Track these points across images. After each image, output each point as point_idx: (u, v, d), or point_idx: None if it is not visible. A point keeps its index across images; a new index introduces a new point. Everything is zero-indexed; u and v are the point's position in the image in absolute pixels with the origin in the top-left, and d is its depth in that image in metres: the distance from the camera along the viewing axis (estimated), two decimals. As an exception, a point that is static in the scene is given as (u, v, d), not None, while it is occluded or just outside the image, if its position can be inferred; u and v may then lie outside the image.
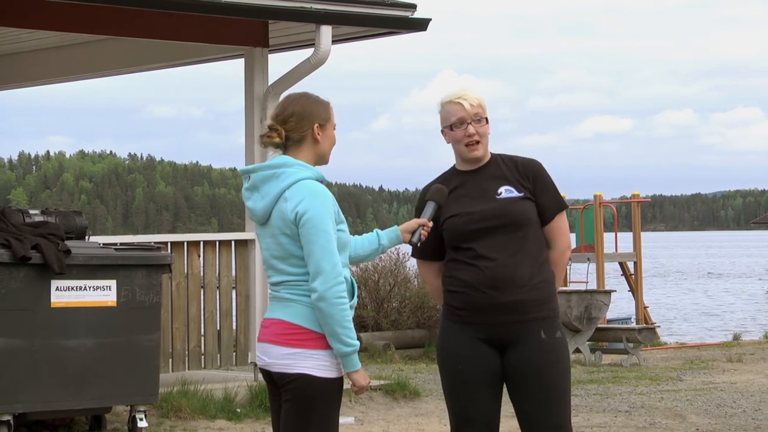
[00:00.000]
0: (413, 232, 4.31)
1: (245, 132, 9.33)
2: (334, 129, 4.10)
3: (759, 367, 12.49)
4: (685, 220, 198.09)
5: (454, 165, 4.48)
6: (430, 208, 4.35)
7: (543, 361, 4.30)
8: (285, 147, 4.05)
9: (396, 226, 4.34)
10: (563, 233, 4.42)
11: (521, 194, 4.35)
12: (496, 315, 4.32)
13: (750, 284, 48.73)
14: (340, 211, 4.02)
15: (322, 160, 4.08)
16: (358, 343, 3.96)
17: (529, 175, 4.39)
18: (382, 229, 4.34)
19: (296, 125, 4.02)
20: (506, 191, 4.36)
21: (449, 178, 4.47)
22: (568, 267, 15.57)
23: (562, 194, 4.52)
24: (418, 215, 4.40)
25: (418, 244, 4.31)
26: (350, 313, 3.96)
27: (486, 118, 4.40)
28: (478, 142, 4.37)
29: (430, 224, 4.31)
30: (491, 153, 4.46)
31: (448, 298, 4.44)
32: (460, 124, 4.38)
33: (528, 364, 4.31)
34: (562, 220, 4.42)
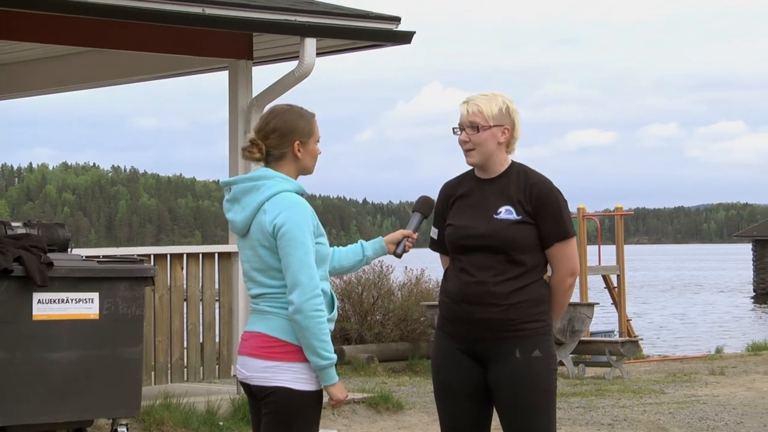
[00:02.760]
0: (398, 244, 4.32)
1: (229, 144, 9.33)
2: (318, 142, 4.10)
3: (741, 380, 12.53)
4: (668, 233, 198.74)
5: (473, 168, 4.47)
6: (415, 219, 4.36)
7: (517, 380, 4.29)
8: (267, 161, 4.06)
9: (380, 237, 4.35)
10: (564, 261, 4.35)
11: (519, 218, 4.32)
12: (471, 330, 4.34)
13: (733, 297, 48.91)
14: (319, 223, 4.02)
15: (304, 172, 4.09)
16: (335, 356, 3.96)
17: (533, 198, 4.33)
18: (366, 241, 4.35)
19: (277, 142, 4.03)
20: (506, 212, 4.34)
21: (462, 181, 4.47)
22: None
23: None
24: (434, 218, 4.42)
25: (402, 256, 4.34)
26: (328, 326, 3.95)
27: (491, 127, 4.32)
28: (472, 150, 4.37)
29: (415, 236, 4.33)
30: (513, 162, 4.43)
31: (439, 306, 4.49)
32: (460, 128, 4.40)
33: (503, 382, 4.31)
34: (563, 248, 4.34)
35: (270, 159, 4.05)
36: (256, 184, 4.01)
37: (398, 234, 4.34)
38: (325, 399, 4.03)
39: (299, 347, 3.94)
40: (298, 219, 3.93)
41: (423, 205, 4.40)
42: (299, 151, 4.04)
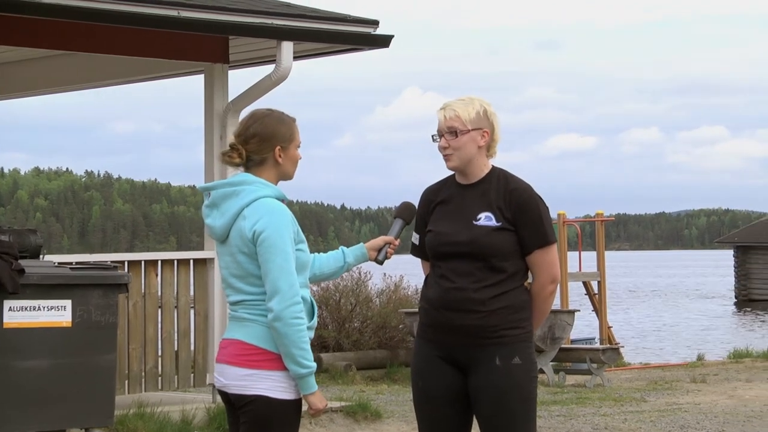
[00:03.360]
0: (379, 250, 4.32)
1: (205, 149, 9.31)
2: (298, 147, 4.10)
3: (723, 388, 12.58)
4: (649, 239, 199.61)
5: (454, 174, 4.48)
6: (396, 225, 4.37)
7: (497, 387, 4.30)
8: (246, 166, 4.06)
9: (362, 244, 4.35)
10: (544, 268, 4.36)
11: (498, 224, 4.33)
12: (451, 336, 4.35)
13: (714, 304, 49.13)
14: (300, 230, 4.02)
15: (284, 177, 4.10)
16: (314, 364, 3.96)
17: (513, 204, 4.34)
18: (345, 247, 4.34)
19: (258, 147, 4.03)
20: (485, 218, 4.35)
21: (443, 187, 4.49)
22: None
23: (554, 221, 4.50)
24: (416, 224, 4.42)
25: (384, 263, 4.34)
26: (307, 334, 3.95)
27: (469, 131, 4.34)
28: (451, 155, 4.38)
29: (397, 242, 4.34)
30: (494, 167, 4.45)
31: (419, 313, 4.50)
32: (439, 135, 4.42)
33: (483, 390, 4.32)
34: (543, 255, 4.35)
35: (250, 164, 4.05)
36: (236, 189, 4.01)
37: (380, 240, 4.34)
38: (304, 408, 4.02)
39: (278, 355, 3.94)
40: (278, 225, 3.93)
41: (405, 210, 4.40)
42: (280, 156, 4.04)
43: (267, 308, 3.93)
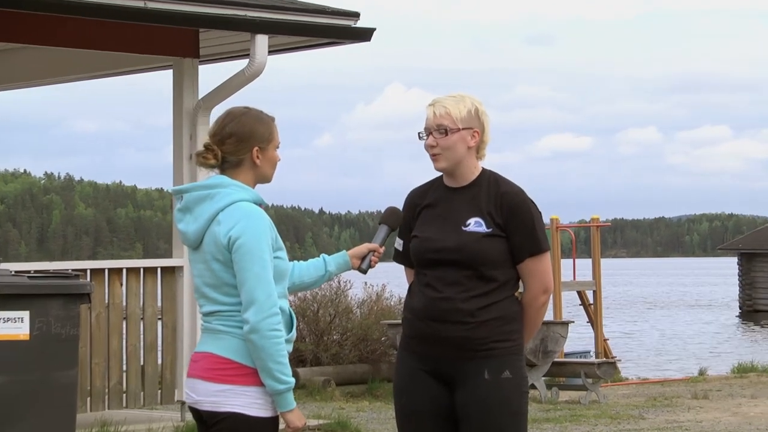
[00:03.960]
0: (363, 258, 4.32)
1: (173, 149, 9.31)
2: (277, 148, 4.11)
3: (726, 404, 12.64)
4: (648, 245, 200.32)
5: (442, 175, 4.49)
6: (382, 232, 4.37)
7: (486, 402, 4.31)
8: (222, 168, 4.07)
9: (344, 251, 4.36)
10: (537, 277, 4.38)
11: (489, 230, 4.35)
12: (437, 348, 4.36)
13: (718, 315, 49.31)
14: (278, 236, 4.03)
15: (262, 180, 4.10)
16: (293, 380, 3.96)
17: (504, 208, 4.36)
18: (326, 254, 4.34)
19: (234, 147, 4.03)
20: (475, 224, 4.36)
21: (430, 190, 4.49)
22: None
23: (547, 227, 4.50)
24: (399, 228, 4.43)
25: (368, 272, 4.35)
26: (286, 348, 3.95)
27: (459, 130, 4.34)
28: (440, 154, 4.38)
29: (382, 250, 4.35)
30: (484, 169, 4.46)
31: (403, 324, 4.51)
32: (426, 132, 4.42)
33: (471, 405, 4.33)
34: (535, 263, 4.36)
35: (226, 166, 4.05)
36: (210, 192, 4.01)
37: (363, 248, 4.35)
38: (281, 426, 4.03)
39: (254, 370, 3.94)
40: (255, 231, 3.93)
41: (390, 216, 4.41)
42: (258, 157, 4.04)
43: (243, 320, 3.93)
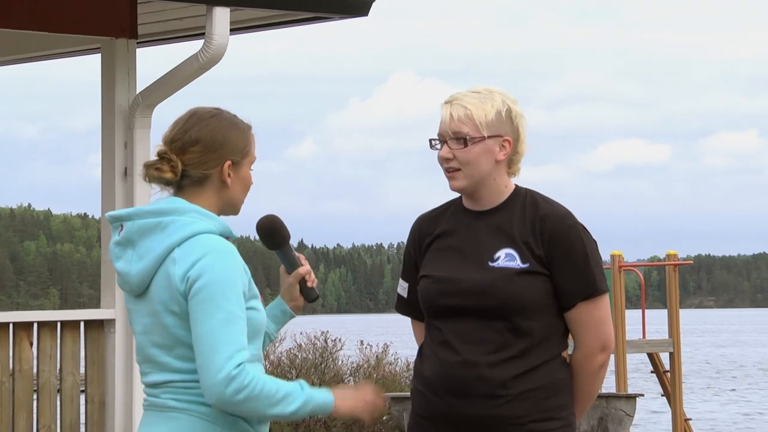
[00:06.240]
0: (301, 290, 4.26)
1: (102, 161, 9.32)
2: (252, 165, 4.09)
3: None
4: (745, 290, 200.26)
5: (461, 197, 4.52)
6: (284, 256, 4.25)
7: None
8: (178, 186, 4.04)
9: (279, 298, 4.32)
10: (592, 328, 4.40)
11: (525, 266, 4.36)
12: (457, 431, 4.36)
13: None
14: (252, 281, 4.01)
15: (230, 208, 4.08)
16: (299, 402, 3.87)
17: (545, 237, 4.37)
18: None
19: (200, 158, 4.01)
20: (506, 257, 4.38)
21: (444, 214, 4.51)
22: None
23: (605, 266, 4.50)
24: (403, 267, 4.45)
25: (320, 298, 4.33)
26: (274, 386, 3.86)
27: (484, 138, 4.37)
28: (457, 170, 4.41)
29: (305, 268, 4.27)
30: (518, 187, 4.48)
31: (412, 399, 4.53)
32: (440, 140, 4.45)
33: None
34: (590, 310, 4.38)
35: (185, 183, 4.03)
36: (162, 220, 3.99)
37: (292, 281, 4.26)
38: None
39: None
40: (222, 270, 3.91)
41: (269, 235, 4.23)
42: (229, 175, 4.03)
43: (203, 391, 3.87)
